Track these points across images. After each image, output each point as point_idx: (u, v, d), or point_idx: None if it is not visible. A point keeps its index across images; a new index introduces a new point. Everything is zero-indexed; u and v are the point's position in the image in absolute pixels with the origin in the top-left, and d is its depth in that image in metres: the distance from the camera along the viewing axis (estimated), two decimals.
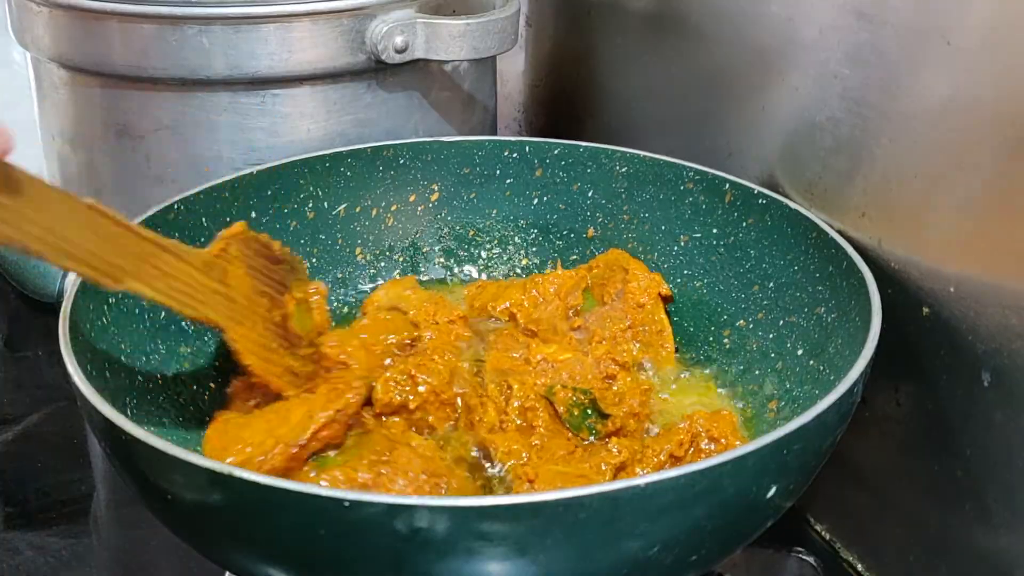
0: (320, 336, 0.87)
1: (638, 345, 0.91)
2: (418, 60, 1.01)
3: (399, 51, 1.00)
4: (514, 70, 1.37)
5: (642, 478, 0.59)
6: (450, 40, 1.00)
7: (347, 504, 0.58)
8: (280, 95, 1.00)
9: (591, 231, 1.01)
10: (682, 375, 0.91)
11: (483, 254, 1.03)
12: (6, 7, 1.08)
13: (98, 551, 0.91)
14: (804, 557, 0.86)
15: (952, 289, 0.75)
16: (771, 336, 0.89)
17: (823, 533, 0.91)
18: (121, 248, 0.71)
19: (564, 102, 1.28)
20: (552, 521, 0.59)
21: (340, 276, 1.01)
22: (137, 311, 0.85)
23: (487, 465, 0.80)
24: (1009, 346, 0.72)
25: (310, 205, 0.98)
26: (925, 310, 0.78)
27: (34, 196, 0.65)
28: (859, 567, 0.88)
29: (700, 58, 1.00)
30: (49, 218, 0.66)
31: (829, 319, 0.83)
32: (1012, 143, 0.70)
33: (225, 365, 0.90)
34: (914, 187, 0.78)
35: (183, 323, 0.89)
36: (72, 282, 0.79)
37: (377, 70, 1.02)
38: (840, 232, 0.83)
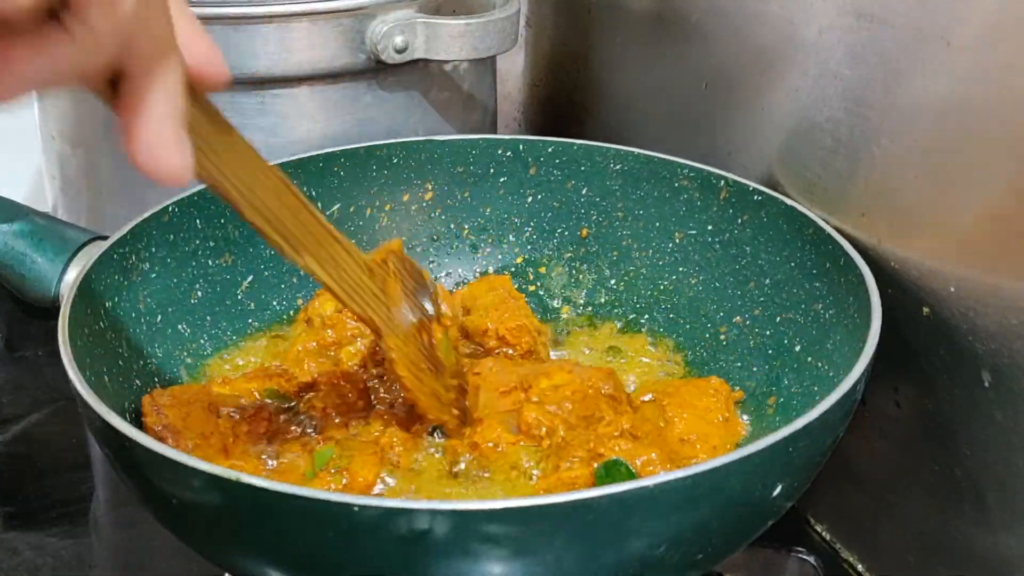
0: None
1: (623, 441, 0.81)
2: (418, 60, 1.01)
3: (399, 51, 1.00)
4: (514, 70, 1.37)
5: (650, 479, 0.59)
6: (450, 40, 1.00)
7: (356, 508, 0.58)
8: (280, 95, 1.00)
9: (585, 229, 1.01)
10: None
11: (477, 253, 1.03)
12: None
13: (98, 551, 0.91)
14: (804, 557, 0.86)
15: (952, 289, 0.75)
16: (768, 333, 0.89)
17: (823, 533, 0.91)
18: (302, 224, 0.69)
19: (564, 102, 1.28)
20: (560, 523, 0.59)
21: None
22: (134, 315, 0.85)
23: None
24: (1009, 346, 0.72)
25: None
26: (925, 310, 0.78)
27: (236, 145, 0.63)
28: (859, 567, 0.88)
29: (700, 58, 1.01)
30: (247, 173, 0.64)
31: (827, 315, 0.83)
32: (1012, 143, 0.70)
33: (223, 368, 0.90)
34: (914, 187, 0.78)
35: (179, 326, 0.89)
36: (69, 286, 0.79)
37: (377, 70, 1.02)
38: (840, 231, 0.83)
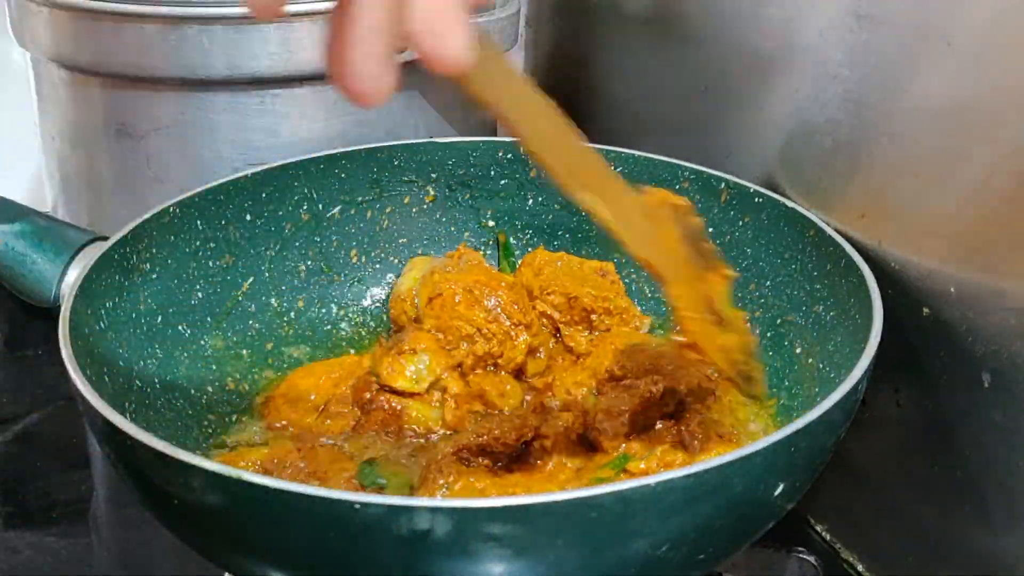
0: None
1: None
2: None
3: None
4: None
5: (652, 477, 0.59)
6: None
7: (357, 507, 0.58)
8: (280, 95, 1.00)
9: (586, 232, 1.01)
10: None
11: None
12: (6, 7, 1.08)
13: (98, 551, 0.91)
14: (804, 557, 0.86)
15: (952, 290, 0.76)
16: (769, 334, 0.89)
17: (823, 533, 0.91)
18: (578, 158, 0.67)
19: (563, 103, 1.26)
20: (563, 521, 0.59)
21: (335, 279, 1.00)
22: (134, 315, 0.85)
23: None
24: (1009, 347, 0.72)
25: (305, 207, 0.98)
26: (925, 311, 0.78)
27: (512, 74, 0.62)
28: (859, 567, 0.88)
29: (700, 60, 1.01)
30: (525, 104, 0.63)
31: (828, 317, 0.83)
32: (1012, 143, 0.70)
33: (220, 370, 0.90)
34: (914, 187, 0.78)
35: (179, 327, 0.89)
36: (70, 287, 0.79)
37: None
38: (840, 232, 0.83)
